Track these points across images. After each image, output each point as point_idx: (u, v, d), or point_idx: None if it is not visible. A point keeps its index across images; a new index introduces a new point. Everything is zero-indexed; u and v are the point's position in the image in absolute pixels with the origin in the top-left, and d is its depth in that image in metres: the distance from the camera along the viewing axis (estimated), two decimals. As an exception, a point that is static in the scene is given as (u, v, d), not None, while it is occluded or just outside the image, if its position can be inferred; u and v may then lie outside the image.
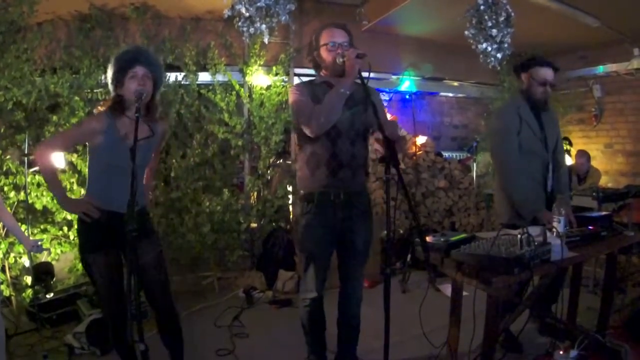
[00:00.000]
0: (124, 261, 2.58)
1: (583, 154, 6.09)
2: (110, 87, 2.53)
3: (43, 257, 4.36)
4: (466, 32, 4.54)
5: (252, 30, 3.96)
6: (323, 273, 2.83)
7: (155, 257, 2.62)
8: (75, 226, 4.32)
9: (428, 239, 2.51)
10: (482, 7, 4.38)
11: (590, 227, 2.81)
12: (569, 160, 6.31)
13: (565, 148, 6.83)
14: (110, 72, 2.50)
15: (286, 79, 5.44)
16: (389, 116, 6.28)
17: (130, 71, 2.45)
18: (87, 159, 2.60)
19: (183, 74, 5.03)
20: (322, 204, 2.70)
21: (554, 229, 2.55)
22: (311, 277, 2.80)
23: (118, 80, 2.48)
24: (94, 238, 2.50)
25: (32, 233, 4.20)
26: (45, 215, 4.47)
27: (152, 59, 2.58)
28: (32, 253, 3.80)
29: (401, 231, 5.73)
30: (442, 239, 2.46)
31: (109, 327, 2.66)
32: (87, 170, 2.64)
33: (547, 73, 3.10)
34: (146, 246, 2.54)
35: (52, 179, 2.59)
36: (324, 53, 2.68)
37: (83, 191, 4.45)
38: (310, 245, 2.79)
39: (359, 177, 2.78)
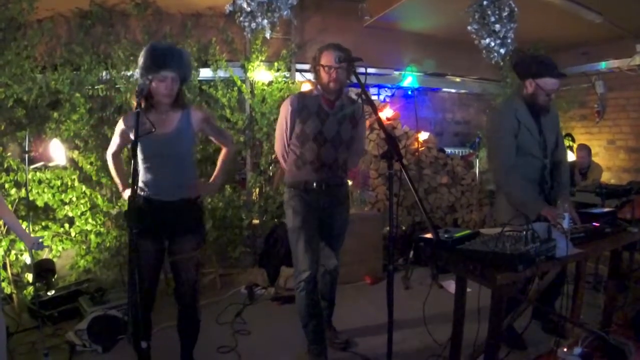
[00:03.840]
0: (166, 249, 2.71)
1: (584, 148, 6.07)
2: (140, 79, 2.58)
3: (44, 255, 4.35)
4: (469, 28, 4.53)
5: (253, 25, 3.94)
6: (314, 250, 3.04)
7: (192, 257, 2.71)
8: (77, 223, 4.39)
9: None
10: (485, 2, 4.36)
11: (594, 224, 2.79)
12: (571, 156, 6.30)
13: (567, 144, 6.83)
14: (140, 65, 2.54)
15: (288, 75, 5.42)
16: (390, 112, 6.29)
17: (161, 74, 2.51)
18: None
19: (184, 70, 5.00)
20: (307, 189, 3.06)
21: (559, 226, 2.53)
22: (303, 255, 3.00)
23: (148, 78, 2.53)
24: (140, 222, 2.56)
25: (33, 230, 4.19)
26: (46, 212, 4.46)
27: (183, 60, 2.61)
28: (33, 250, 3.79)
29: (404, 227, 5.72)
30: (445, 236, 2.44)
31: (129, 317, 2.68)
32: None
33: (555, 84, 2.98)
34: (187, 242, 2.68)
35: (117, 174, 2.89)
36: (322, 73, 2.97)
37: (84, 188, 4.47)
38: (299, 222, 3.03)
39: (339, 173, 3.17)
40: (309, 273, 2.98)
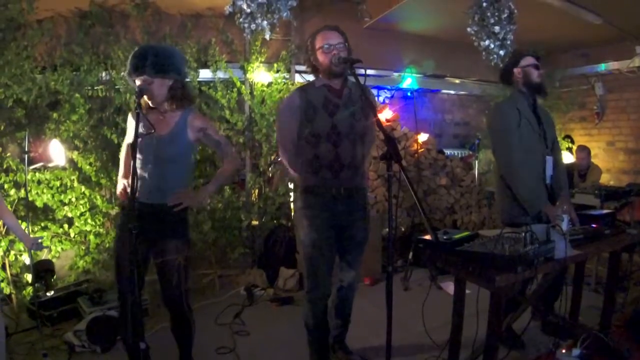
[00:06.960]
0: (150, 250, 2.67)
1: (583, 149, 6.07)
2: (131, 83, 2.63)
3: (43, 255, 4.34)
4: (468, 29, 4.53)
5: (253, 26, 3.95)
6: (331, 267, 2.83)
7: (175, 260, 2.64)
8: (76, 223, 4.39)
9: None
10: (484, 4, 4.36)
11: (593, 225, 2.80)
12: (571, 158, 6.30)
13: (567, 146, 6.85)
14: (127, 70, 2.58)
15: (287, 76, 5.42)
16: (389, 114, 6.29)
17: (135, 79, 2.52)
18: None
19: (184, 70, 5.00)
20: (325, 195, 2.77)
21: (558, 227, 2.53)
22: (321, 272, 2.79)
23: (133, 80, 2.56)
24: (126, 220, 2.57)
25: (32, 231, 4.19)
26: (45, 213, 4.46)
27: (154, 60, 2.49)
28: (32, 251, 3.79)
29: (403, 229, 5.72)
30: (445, 237, 2.44)
31: (120, 316, 2.67)
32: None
33: (533, 59, 3.21)
34: (169, 246, 2.62)
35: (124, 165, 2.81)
36: (321, 56, 2.72)
37: (84, 188, 4.47)
38: (317, 236, 2.77)
39: (358, 174, 2.87)
40: (328, 292, 2.84)
